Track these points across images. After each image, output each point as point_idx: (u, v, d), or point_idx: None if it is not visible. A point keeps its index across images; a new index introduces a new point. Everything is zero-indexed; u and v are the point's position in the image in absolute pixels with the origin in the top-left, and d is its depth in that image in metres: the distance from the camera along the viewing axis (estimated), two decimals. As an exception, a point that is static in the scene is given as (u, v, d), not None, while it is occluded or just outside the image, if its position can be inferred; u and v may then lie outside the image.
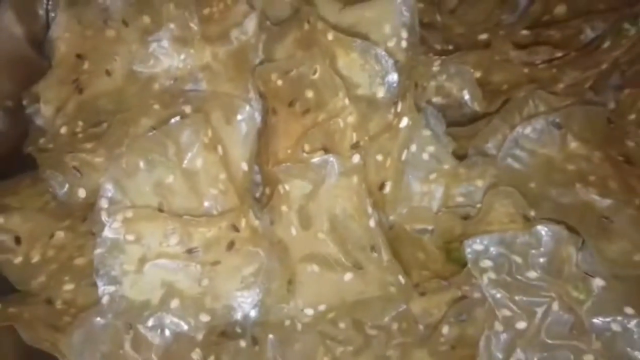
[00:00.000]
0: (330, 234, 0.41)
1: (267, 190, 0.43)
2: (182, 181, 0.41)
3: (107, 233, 0.38)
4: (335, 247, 0.41)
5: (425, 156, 0.44)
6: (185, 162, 0.41)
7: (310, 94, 0.42)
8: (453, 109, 0.47)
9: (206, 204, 0.41)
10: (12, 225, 0.42)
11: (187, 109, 0.43)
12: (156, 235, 0.39)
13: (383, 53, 0.42)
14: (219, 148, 0.42)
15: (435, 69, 0.45)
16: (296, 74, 0.43)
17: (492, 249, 0.39)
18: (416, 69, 0.44)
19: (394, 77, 0.42)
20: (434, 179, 0.44)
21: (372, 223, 0.41)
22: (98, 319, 0.38)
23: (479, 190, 0.43)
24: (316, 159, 0.40)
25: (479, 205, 0.43)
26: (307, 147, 0.41)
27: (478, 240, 0.39)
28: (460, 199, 0.43)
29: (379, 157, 0.42)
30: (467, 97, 0.45)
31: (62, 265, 0.41)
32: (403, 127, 0.42)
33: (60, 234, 0.42)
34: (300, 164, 0.41)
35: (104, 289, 0.38)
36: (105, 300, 0.38)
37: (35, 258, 0.42)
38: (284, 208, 0.41)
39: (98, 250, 0.38)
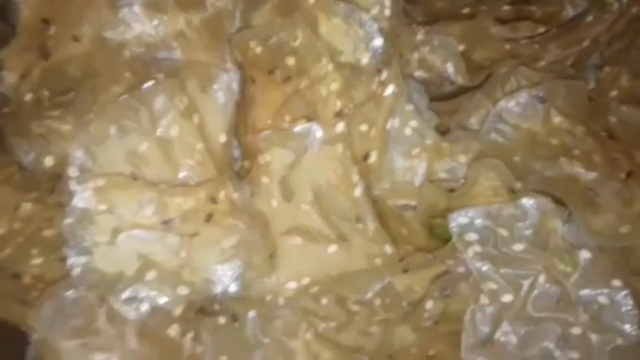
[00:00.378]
0: (314, 205, 0.39)
1: (247, 164, 0.42)
2: (157, 149, 0.39)
3: (77, 202, 0.36)
4: (319, 218, 0.39)
5: (407, 131, 0.43)
6: (160, 129, 0.39)
7: (291, 61, 0.41)
8: (435, 84, 0.46)
9: (182, 174, 0.39)
10: (-24, 197, 0.40)
11: (160, 77, 0.41)
12: (130, 205, 0.37)
13: (367, 18, 0.41)
14: (195, 117, 0.40)
15: (419, 38, 0.44)
16: (276, 41, 0.41)
17: (477, 221, 0.38)
18: (400, 37, 0.43)
19: (379, 42, 0.41)
20: (417, 154, 0.43)
21: (357, 192, 0.39)
22: (69, 292, 0.36)
23: (462, 166, 0.42)
24: (298, 127, 0.39)
25: (462, 181, 0.42)
26: (288, 117, 0.40)
27: (463, 213, 0.38)
28: (443, 174, 0.42)
29: (363, 127, 0.41)
30: (450, 69, 0.45)
31: (29, 237, 0.40)
32: (388, 95, 0.41)
33: (27, 206, 0.40)
34: (281, 132, 0.39)
35: (74, 261, 0.36)
36: (75, 272, 0.36)
37: (0, 230, 0.40)
38: (264, 179, 0.39)
39: (67, 221, 0.36)
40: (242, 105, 0.42)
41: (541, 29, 0.48)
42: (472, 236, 0.38)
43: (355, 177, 0.39)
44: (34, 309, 0.37)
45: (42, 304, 0.37)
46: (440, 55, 0.45)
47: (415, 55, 0.45)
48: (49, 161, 0.40)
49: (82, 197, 0.36)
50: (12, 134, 0.40)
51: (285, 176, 0.39)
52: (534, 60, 0.47)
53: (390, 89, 0.41)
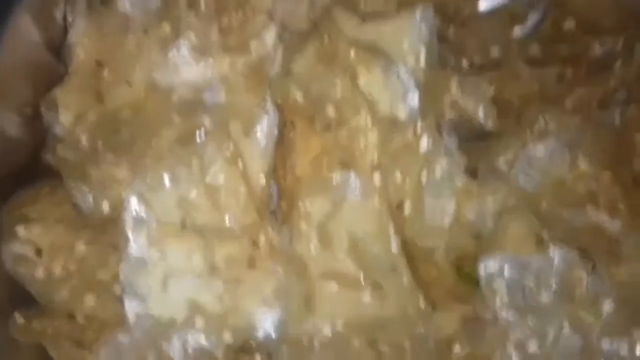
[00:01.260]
0: (350, 253, 0.41)
1: (284, 205, 0.43)
2: (205, 196, 0.41)
3: (133, 249, 0.38)
4: (355, 266, 0.41)
5: (437, 172, 0.44)
6: (208, 177, 0.41)
7: (331, 110, 0.42)
8: (463, 124, 0.47)
9: (227, 219, 0.41)
10: (32, 237, 0.42)
11: (206, 120, 0.43)
12: (180, 252, 0.39)
13: (405, 72, 0.42)
14: (239, 162, 0.42)
15: (451, 82, 0.45)
16: (317, 89, 0.43)
17: (506, 271, 0.40)
18: (435, 87, 0.44)
19: (415, 96, 0.42)
20: (446, 195, 0.44)
21: (394, 247, 0.41)
22: (124, 337, 0.38)
23: (491, 209, 0.43)
24: (337, 177, 0.41)
25: (489, 223, 0.43)
26: (326, 165, 0.42)
27: (492, 262, 0.40)
28: (471, 216, 0.44)
29: (398, 176, 0.42)
30: (481, 114, 0.46)
31: (85, 279, 0.42)
32: (423, 148, 0.42)
33: (81, 246, 0.43)
34: (321, 181, 0.41)
35: (131, 307, 0.38)
36: (132, 318, 0.38)
37: (57, 272, 0.42)
38: (303, 225, 0.41)
39: (124, 267, 0.38)
40: (281, 147, 0.44)
41: (569, 70, 0.49)
42: (500, 284, 0.39)
43: (392, 232, 0.41)
44: (92, 352, 0.39)
45: (99, 349, 0.39)
46: (472, 100, 0.46)
47: (447, 99, 0.46)
48: (105, 206, 0.42)
49: (138, 244, 0.38)
50: (72, 178, 0.43)
51: (323, 223, 0.41)
52: (562, 99, 0.48)
53: (425, 142, 0.42)
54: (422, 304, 0.41)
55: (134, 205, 0.39)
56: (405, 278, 0.41)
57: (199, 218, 0.41)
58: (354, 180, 0.41)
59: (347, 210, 0.41)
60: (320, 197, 0.41)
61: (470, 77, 0.46)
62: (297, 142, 0.44)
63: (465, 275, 0.43)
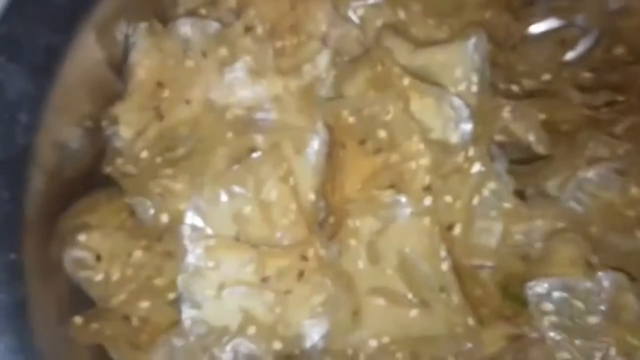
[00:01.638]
0: (399, 271, 0.42)
1: (332, 219, 0.44)
2: (258, 212, 0.42)
3: (191, 259, 0.40)
4: (403, 283, 0.42)
5: (485, 193, 0.44)
6: (262, 194, 0.42)
7: (382, 134, 0.44)
8: (513, 146, 0.47)
9: (278, 234, 0.43)
10: (92, 243, 0.44)
11: (259, 138, 0.45)
12: (234, 263, 0.41)
13: (459, 101, 0.43)
14: (291, 179, 0.44)
15: (503, 111, 0.46)
16: (368, 113, 0.44)
17: (554, 293, 0.40)
18: (487, 112, 0.45)
19: (468, 124, 0.43)
20: (494, 216, 0.44)
21: (444, 267, 0.42)
22: (177, 340, 0.40)
23: (539, 230, 0.44)
24: (388, 198, 0.41)
25: (538, 245, 0.43)
26: (377, 186, 0.43)
27: (540, 283, 0.40)
28: (519, 237, 0.44)
29: (448, 199, 0.43)
30: (532, 139, 0.46)
31: (141, 284, 0.43)
32: (475, 172, 0.43)
33: (138, 253, 0.44)
34: (371, 202, 0.42)
35: (187, 313, 0.40)
36: (187, 323, 0.39)
37: (115, 276, 0.44)
38: (352, 241, 0.42)
39: (182, 276, 0.40)
40: (330, 166, 0.45)
41: (620, 97, 0.49)
42: (548, 306, 0.40)
43: (443, 253, 0.42)
44: (147, 353, 0.40)
45: (154, 350, 0.40)
46: (523, 125, 0.46)
47: (498, 123, 0.47)
48: (164, 218, 0.44)
49: (195, 255, 0.40)
50: (134, 192, 0.44)
51: (372, 241, 0.42)
52: (612, 126, 0.48)
53: (477, 167, 0.43)
54: (470, 321, 0.41)
55: (192, 218, 0.41)
56: (455, 297, 0.42)
57: (251, 231, 0.42)
58: (404, 203, 0.42)
59: (397, 231, 0.42)
60: (370, 218, 0.42)
61: (521, 102, 0.46)
62: (347, 162, 0.45)
63: (512, 296, 0.43)
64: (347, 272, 0.42)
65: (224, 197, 0.41)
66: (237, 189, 0.42)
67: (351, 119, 0.44)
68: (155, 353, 0.40)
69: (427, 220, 0.42)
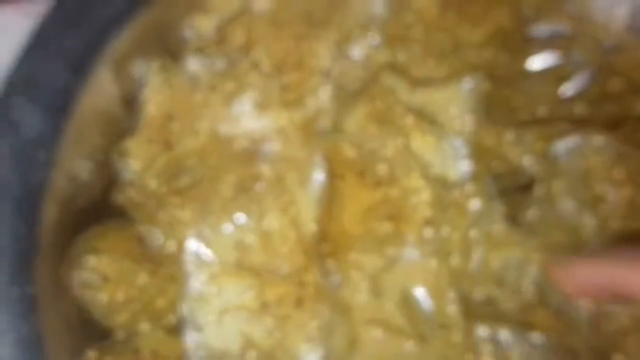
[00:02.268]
0: (400, 306, 0.43)
1: (327, 248, 0.45)
2: (259, 240, 0.44)
3: (195, 284, 0.41)
4: (403, 318, 0.43)
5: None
6: (264, 224, 0.44)
7: (382, 168, 0.45)
8: (508, 175, 0.48)
9: (278, 261, 0.44)
10: (100, 266, 0.46)
11: (265, 168, 0.46)
12: (236, 290, 0.42)
13: (458, 142, 0.45)
14: (292, 209, 0.45)
15: (499, 139, 0.47)
16: (369, 148, 0.46)
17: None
18: (486, 151, 0.46)
19: (465, 163, 0.45)
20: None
21: (451, 309, 0.42)
22: None
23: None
24: (388, 232, 0.42)
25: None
26: (375, 217, 0.44)
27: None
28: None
29: (446, 230, 0.44)
30: (527, 163, 0.47)
31: (144, 305, 0.45)
32: (472, 208, 0.44)
33: (143, 277, 0.46)
34: (371, 234, 0.43)
35: (191, 336, 0.40)
36: (190, 347, 0.40)
37: (120, 297, 0.45)
38: (354, 274, 0.43)
39: (187, 301, 0.41)
40: (327, 195, 0.46)
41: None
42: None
43: (451, 295, 0.42)
44: None
45: None
46: (518, 152, 0.47)
47: (495, 152, 0.48)
48: (172, 246, 0.45)
49: (199, 280, 0.41)
50: (145, 221, 0.46)
51: (376, 275, 0.43)
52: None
53: (474, 203, 0.44)
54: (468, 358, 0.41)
55: (196, 244, 0.42)
56: (456, 335, 0.42)
57: (252, 259, 0.43)
58: (411, 241, 0.43)
59: (402, 269, 0.43)
60: (375, 254, 0.43)
61: (517, 130, 0.47)
62: (346, 193, 0.46)
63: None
64: (346, 302, 0.43)
65: (228, 226, 0.42)
66: (241, 218, 0.43)
67: (351, 153, 0.46)
68: None
69: (433, 262, 0.43)
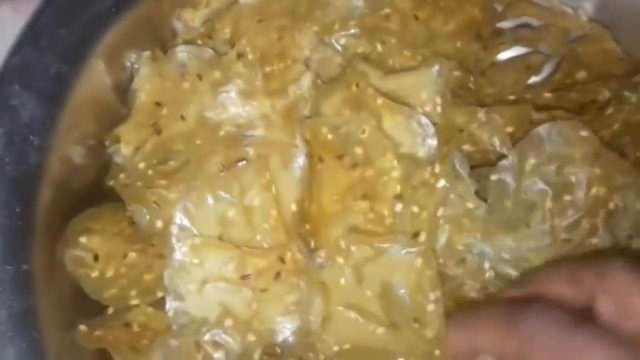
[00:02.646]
0: (379, 296, 0.45)
1: (308, 226, 0.48)
2: (241, 215, 0.46)
3: (177, 256, 0.43)
4: (380, 307, 0.45)
5: (451, 196, 0.47)
6: (246, 200, 0.46)
7: (359, 150, 0.47)
8: (479, 154, 0.50)
9: (259, 236, 0.46)
10: (92, 245, 0.48)
11: (250, 151, 0.48)
12: (217, 261, 0.44)
13: (425, 120, 0.47)
14: (273, 188, 0.47)
15: (466, 118, 0.49)
16: (345, 131, 0.48)
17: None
18: (453, 127, 0.49)
19: (433, 141, 0.47)
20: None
21: (431, 307, 0.44)
22: (172, 340, 0.44)
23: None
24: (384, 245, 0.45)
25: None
26: (351, 197, 0.46)
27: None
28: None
29: (415, 209, 0.46)
30: (496, 143, 0.49)
31: (132, 280, 0.47)
32: (440, 187, 0.46)
33: (132, 255, 0.48)
34: (345, 211, 0.46)
35: (171, 304, 0.43)
36: (171, 314, 0.43)
37: (109, 273, 0.47)
38: (339, 259, 0.45)
39: (168, 270, 0.43)
40: (308, 178, 0.48)
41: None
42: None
43: (433, 296, 0.44)
44: (146, 356, 0.44)
45: (152, 352, 0.44)
46: (487, 131, 0.49)
47: (464, 133, 0.50)
48: (159, 224, 0.47)
49: (182, 252, 0.43)
50: (133, 200, 0.48)
51: (360, 264, 0.45)
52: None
53: (442, 183, 0.46)
54: (437, 353, 0.44)
55: (180, 218, 0.44)
56: (429, 332, 0.44)
57: (234, 233, 0.45)
58: (401, 239, 0.45)
59: (387, 263, 0.45)
60: (364, 246, 0.45)
61: (487, 113, 0.50)
62: (325, 174, 0.48)
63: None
64: (327, 283, 0.45)
65: (210, 201, 0.45)
66: (222, 194, 0.45)
67: (330, 136, 0.48)
68: (154, 353, 0.44)
69: (419, 261, 0.44)
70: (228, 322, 0.43)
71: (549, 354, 0.37)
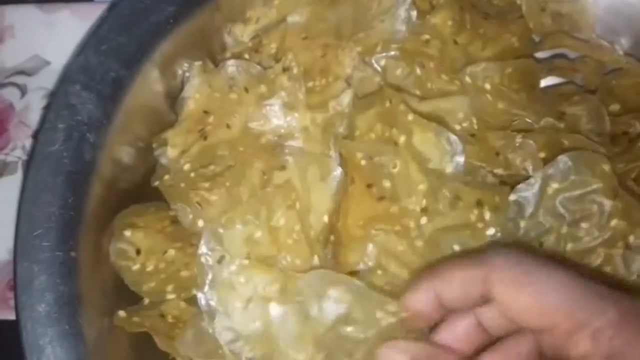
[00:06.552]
0: None
1: (332, 238, 0.48)
2: (267, 236, 0.46)
3: (225, 274, 0.43)
4: None
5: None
6: (272, 222, 0.46)
7: (387, 184, 0.47)
8: (510, 178, 0.49)
9: (283, 252, 0.46)
10: (135, 239, 0.49)
11: (289, 160, 0.49)
12: (262, 282, 0.44)
13: (454, 137, 0.46)
14: (298, 204, 0.47)
15: (502, 142, 0.49)
16: (378, 161, 0.47)
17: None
18: (484, 148, 0.48)
19: (461, 158, 0.46)
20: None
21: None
22: (204, 323, 0.44)
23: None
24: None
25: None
26: (372, 226, 0.46)
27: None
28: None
29: (456, 247, 0.45)
30: (530, 167, 0.48)
31: (169, 275, 0.48)
32: (489, 234, 0.45)
33: (172, 252, 0.49)
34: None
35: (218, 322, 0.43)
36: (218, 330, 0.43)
37: (149, 267, 0.48)
38: None
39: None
40: (341, 192, 0.48)
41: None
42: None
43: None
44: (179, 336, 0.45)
45: (185, 330, 0.45)
46: (520, 155, 0.49)
47: (500, 156, 0.49)
48: (200, 223, 0.48)
49: (229, 271, 0.43)
50: (178, 199, 0.49)
51: None
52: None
53: (491, 231, 0.45)
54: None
55: (208, 240, 0.45)
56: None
57: (259, 252, 0.45)
58: None
59: None
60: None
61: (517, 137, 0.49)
62: (354, 197, 0.48)
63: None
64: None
65: (238, 224, 0.45)
66: (250, 218, 0.46)
67: (363, 162, 0.48)
68: (186, 333, 0.44)
69: None
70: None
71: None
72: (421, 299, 0.38)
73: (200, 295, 0.44)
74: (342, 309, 0.41)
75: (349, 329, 0.41)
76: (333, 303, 0.42)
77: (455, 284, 0.37)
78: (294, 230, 0.46)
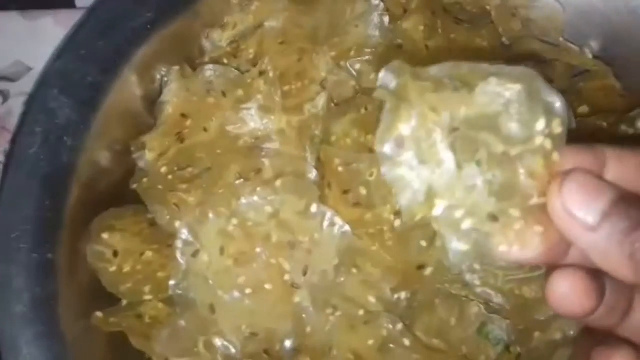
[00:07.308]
0: None
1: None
2: (240, 229, 0.46)
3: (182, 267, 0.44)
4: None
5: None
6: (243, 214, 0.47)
7: (363, 191, 0.47)
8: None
9: (258, 249, 0.46)
10: (113, 242, 0.49)
11: (266, 162, 0.49)
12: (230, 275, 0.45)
13: None
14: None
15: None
16: (356, 168, 0.48)
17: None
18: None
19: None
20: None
21: None
22: (181, 322, 0.45)
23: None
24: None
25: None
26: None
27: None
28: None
29: (423, 243, 0.46)
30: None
31: (146, 276, 0.48)
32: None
33: (149, 254, 0.49)
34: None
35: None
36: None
37: (126, 269, 0.48)
38: None
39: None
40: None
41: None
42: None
43: None
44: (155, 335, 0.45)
45: (161, 329, 0.45)
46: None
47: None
48: (177, 224, 0.48)
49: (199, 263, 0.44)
50: (155, 202, 0.49)
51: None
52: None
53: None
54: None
55: (184, 233, 0.46)
56: None
57: (233, 245, 0.46)
58: None
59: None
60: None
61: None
62: (330, 202, 0.48)
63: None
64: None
65: (211, 216, 0.46)
66: (222, 210, 0.46)
67: (340, 169, 0.48)
68: (162, 332, 0.45)
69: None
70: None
71: None
72: (588, 159, 0.33)
73: (172, 282, 0.45)
74: None
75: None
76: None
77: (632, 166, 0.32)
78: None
